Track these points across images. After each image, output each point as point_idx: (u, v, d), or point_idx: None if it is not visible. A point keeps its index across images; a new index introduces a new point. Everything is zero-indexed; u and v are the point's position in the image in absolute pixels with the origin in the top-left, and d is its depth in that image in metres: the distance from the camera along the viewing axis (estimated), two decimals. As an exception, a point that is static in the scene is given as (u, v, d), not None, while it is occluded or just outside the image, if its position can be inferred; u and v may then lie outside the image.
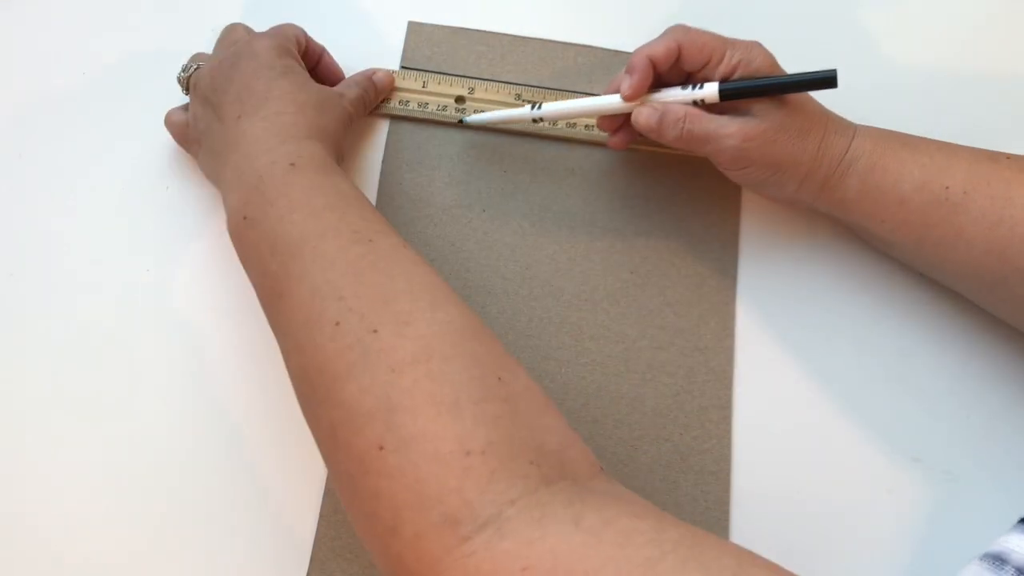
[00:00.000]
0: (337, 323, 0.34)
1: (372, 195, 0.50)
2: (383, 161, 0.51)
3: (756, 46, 0.44)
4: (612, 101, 0.46)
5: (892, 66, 0.56)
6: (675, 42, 0.44)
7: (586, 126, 0.52)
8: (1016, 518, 0.44)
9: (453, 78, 0.53)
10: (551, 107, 0.48)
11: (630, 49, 0.54)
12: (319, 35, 0.54)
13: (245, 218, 0.40)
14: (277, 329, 0.38)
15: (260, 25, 0.50)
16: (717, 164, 0.46)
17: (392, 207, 0.50)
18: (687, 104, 0.44)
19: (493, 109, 0.51)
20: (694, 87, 0.44)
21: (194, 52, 0.51)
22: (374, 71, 0.51)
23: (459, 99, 0.52)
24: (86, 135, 0.51)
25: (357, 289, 0.35)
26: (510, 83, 0.53)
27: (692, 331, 0.49)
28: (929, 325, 0.50)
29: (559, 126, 0.52)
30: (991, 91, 0.55)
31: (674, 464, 0.46)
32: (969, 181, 0.44)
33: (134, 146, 0.51)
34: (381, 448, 0.32)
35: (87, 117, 0.51)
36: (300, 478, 0.45)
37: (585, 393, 0.47)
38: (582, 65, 0.54)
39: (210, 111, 0.45)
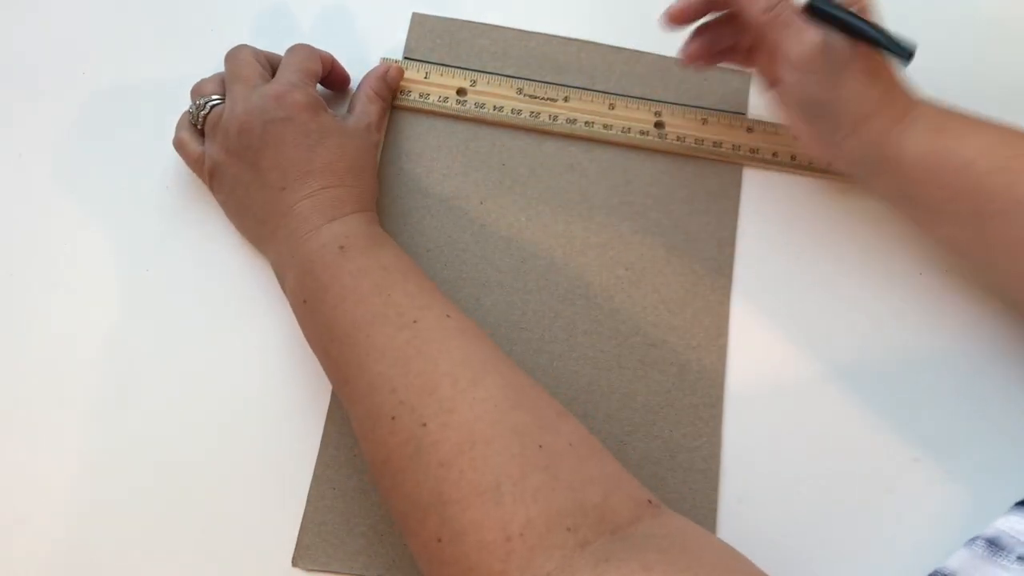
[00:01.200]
0: (393, 418, 0.37)
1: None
2: (382, 151, 0.51)
3: None
4: None
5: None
6: None
7: (586, 123, 0.52)
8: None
9: (455, 70, 0.53)
10: None
11: (633, 46, 0.54)
12: (324, 26, 0.55)
13: (305, 302, 0.42)
14: (347, 410, 0.41)
15: (264, 21, 0.50)
16: (784, 60, 0.43)
17: (390, 197, 0.50)
18: None
19: (495, 102, 0.52)
20: None
21: (195, 52, 0.51)
22: (386, 68, 0.51)
23: (460, 91, 0.52)
24: (86, 135, 0.52)
25: (406, 380, 0.38)
26: (513, 76, 0.53)
27: (685, 329, 0.48)
28: (928, 325, 0.49)
29: (559, 122, 0.52)
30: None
31: (663, 461, 0.46)
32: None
33: (134, 146, 0.51)
34: (439, 540, 0.35)
35: (87, 117, 0.52)
36: (297, 477, 0.45)
37: (576, 387, 0.47)
38: (584, 61, 0.54)
39: (243, 167, 0.46)
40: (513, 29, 0.54)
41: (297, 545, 0.44)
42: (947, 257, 0.50)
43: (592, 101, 0.52)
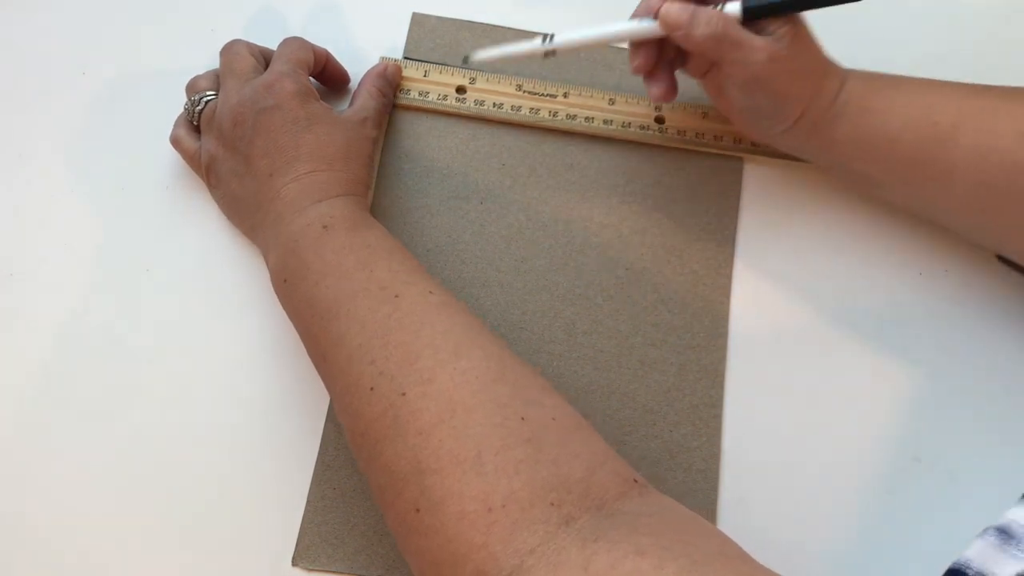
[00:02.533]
0: (371, 388, 0.37)
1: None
2: (382, 150, 0.51)
3: None
4: (634, 26, 0.43)
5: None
6: None
7: (586, 119, 0.52)
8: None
9: (455, 68, 0.53)
10: (566, 37, 0.44)
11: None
12: (324, 26, 0.55)
13: (285, 281, 0.42)
14: (327, 386, 0.41)
15: (264, 21, 0.50)
16: (729, 81, 0.44)
17: (389, 197, 0.50)
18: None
19: (495, 99, 0.51)
20: (716, 6, 0.42)
21: (194, 52, 0.51)
22: (384, 66, 0.51)
23: (460, 88, 0.52)
24: (86, 135, 0.52)
25: (386, 351, 0.37)
26: (512, 74, 0.53)
27: (685, 329, 0.48)
28: (928, 325, 0.49)
29: (559, 118, 0.52)
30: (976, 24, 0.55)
31: (662, 461, 0.46)
32: (958, 115, 0.43)
33: (134, 146, 0.51)
34: (417, 510, 0.34)
35: (87, 117, 0.52)
36: (295, 476, 0.45)
37: (576, 387, 0.47)
38: (584, 59, 0.54)
39: (238, 159, 0.46)
40: (513, 29, 0.54)
41: (297, 545, 0.44)
42: (947, 257, 0.50)
43: (592, 97, 0.52)
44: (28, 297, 0.48)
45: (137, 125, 0.52)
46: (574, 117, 0.52)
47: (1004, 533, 0.30)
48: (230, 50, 0.49)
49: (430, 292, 0.40)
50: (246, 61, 0.48)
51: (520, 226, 0.50)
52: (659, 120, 0.52)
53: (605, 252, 0.50)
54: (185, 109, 0.49)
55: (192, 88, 0.49)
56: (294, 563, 0.44)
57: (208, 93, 0.48)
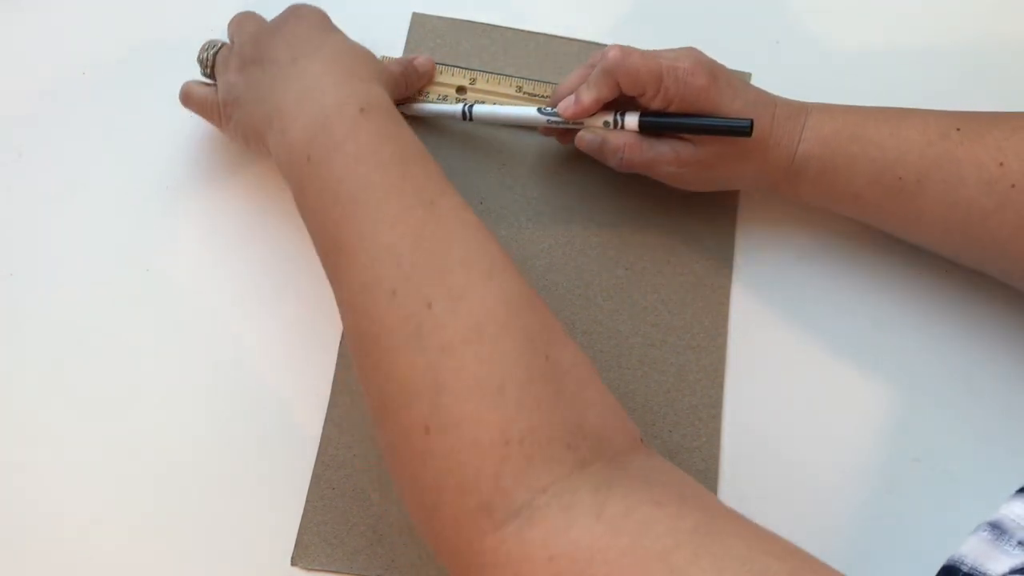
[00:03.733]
0: (394, 292, 0.35)
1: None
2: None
3: (691, 72, 0.43)
4: (541, 119, 0.48)
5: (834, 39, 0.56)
6: (613, 80, 0.44)
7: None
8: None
9: (455, 68, 0.53)
10: (483, 109, 0.50)
11: (632, 44, 0.54)
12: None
13: (309, 158, 0.39)
14: (334, 281, 0.39)
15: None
16: (664, 180, 0.48)
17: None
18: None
19: (494, 101, 0.51)
20: (617, 118, 0.46)
21: (194, 52, 0.51)
22: (414, 57, 0.51)
23: (460, 89, 0.52)
24: (86, 135, 0.52)
25: (415, 257, 0.35)
26: (512, 76, 0.53)
27: (685, 329, 0.48)
28: (928, 325, 0.49)
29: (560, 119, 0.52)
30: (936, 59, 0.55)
31: (662, 460, 0.46)
32: (921, 168, 0.44)
33: (134, 146, 0.51)
34: (427, 430, 0.32)
35: (87, 117, 0.52)
36: (294, 476, 0.45)
37: (576, 387, 0.47)
38: (584, 60, 0.54)
39: (254, 69, 0.44)
40: (513, 29, 0.54)
41: (296, 544, 0.44)
42: (947, 257, 0.50)
43: (592, 100, 0.52)
44: (28, 297, 0.48)
45: (137, 125, 0.52)
46: (574, 118, 0.52)
47: (997, 528, 0.30)
48: (241, 18, 0.48)
49: (464, 208, 0.38)
50: (255, 21, 0.47)
51: (520, 226, 0.50)
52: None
53: (604, 252, 0.50)
54: (199, 61, 0.48)
55: (208, 44, 0.48)
56: (293, 563, 0.44)
57: (218, 42, 0.48)
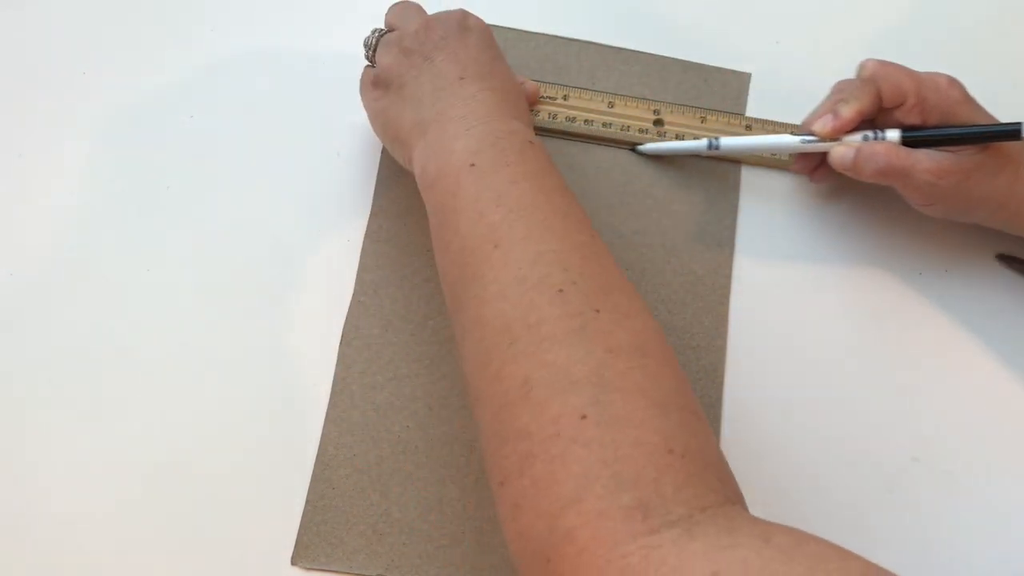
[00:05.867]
0: (561, 290, 0.35)
1: (370, 188, 0.51)
2: (383, 151, 0.51)
3: (949, 85, 0.45)
4: (795, 141, 0.47)
5: None
6: (876, 89, 0.45)
7: (586, 121, 0.52)
8: (1015, 517, 0.43)
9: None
10: (732, 142, 0.49)
11: (632, 46, 0.54)
12: (325, 26, 0.55)
13: (473, 165, 0.39)
14: (474, 278, 0.37)
15: (264, 22, 0.50)
16: (907, 198, 0.47)
17: (390, 197, 0.50)
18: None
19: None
20: (876, 134, 0.45)
21: (193, 52, 0.52)
22: (524, 80, 0.50)
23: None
24: (85, 135, 0.52)
25: (583, 268, 0.36)
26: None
27: (685, 329, 0.48)
28: (927, 325, 0.49)
29: (558, 120, 0.52)
30: None
31: (662, 460, 0.46)
32: None
33: (134, 146, 0.51)
34: (584, 417, 0.31)
35: (87, 116, 0.52)
36: (294, 476, 0.45)
37: (576, 387, 0.47)
38: (584, 61, 0.54)
39: (416, 59, 0.44)
40: (513, 30, 0.54)
41: (296, 544, 0.44)
42: (947, 257, 0.50)
43: (591, 99, 0.52)
44: (28, 297, 0.48)
45: (137, 125, 0.52)
46: (573, 120, 0.52)
47: None
48: (401, 2, 0.48)
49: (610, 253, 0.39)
50: (422, 9, 0.47)
51: (520, 226, 0.50)
52: (658, 123, 0.52)
53: (605, 252, 0.50)
54: (364, 44, 0.48)
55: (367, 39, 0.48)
56: (293, 562, 0.44)
57: (380, 28, 0.48)
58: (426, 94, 0.43)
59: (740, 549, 0.28)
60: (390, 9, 0.48)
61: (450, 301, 0.39)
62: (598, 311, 0.34)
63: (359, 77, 0.48)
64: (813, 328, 0.49)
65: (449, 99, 0.42)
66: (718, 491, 0.31)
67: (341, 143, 0.52)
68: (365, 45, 0.47)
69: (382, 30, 0.47)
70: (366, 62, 0.48)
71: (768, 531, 0.29)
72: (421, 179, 0.42)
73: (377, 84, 0.46)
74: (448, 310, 0.40)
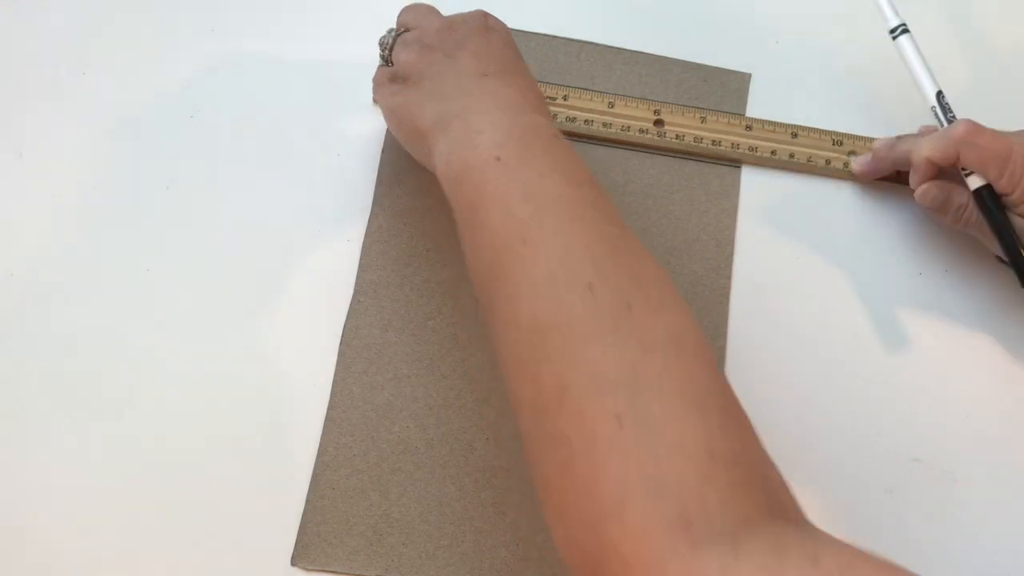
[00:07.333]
0: (591, 286, 0.34)
1: (370, 188, 0.51)
2: (383, 151, 0.51)
3: None
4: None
5: None
6: (955, 152, 0.45)
7: (586, 121, 0.52)
8: (1016, 517, 0.43)
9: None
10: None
11: (632, 46, 0.54)
12: (324, 27, 0.55)
13: (499, 159, 0.38)
14: (501, 275, 0.37)
15: (263, 22, 0.50)
16: (935, 218, 0.49)
17: (390, 197, 0.50)
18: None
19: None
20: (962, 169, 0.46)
21: (193, 52, 0.52)
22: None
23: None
24: (85, 135, 0.51)
25: (614, 261, 0.35)
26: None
27: (685, 328, 0.48)
28: (927, 325, 0.49)
29: (558, 120, 0.52)
30: None
31: (662, 460, 0.46)
32: None
33: (134, 146, 0.51)
34: (618, 418, 0.30)
35: (86, 116, 0.52)
36: (294, 476, 0.45)
37: (576, 387, 0.47)
38: (584, 61, 0.54)
39: (437, 55, 0.44)
40: (513, 30, 0.54)
41: (296, 544, 0.44)
42: (947, 257, 0.50)
43: (591, 99, 0.52)
44: (28, 297, 0.48)
45: (137, 125, 0.52)
46: (574, 119, 0.52)
47: None
48: (415, 4, 0.48)
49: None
50: (437, 11, 0.47)
51: (520, 226, 0.50)
52: (658, 123, 0.52)
53: (605, 252, 0.50)
54: (379, 43, 0.48)
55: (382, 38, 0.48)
56: (293, 562, 0.44)
57: (396, 28, 0.47)
58: (448, 89, 0.43)
59: (790, 571, 0.27)
60: (405, 10, 0.48)
61: (482, 300, 0.39)
62: (630, 306, 0.33)
63: (371, 77, 0.48)
64: (813, 328, 0.49)
65: (472, 94, 0.42)
66: (761, 503, 0.30)
67: (341, 143, 0.52)
68: (381, 45, 0.47)
69: (398, 30, 0.47)
70: (370, 62, 0.48)
71: (818, 552, 0.28)
72: (444, 174, 0.41)
73: (395, 79, 0.45)
74: (480, 309, 0.39)
